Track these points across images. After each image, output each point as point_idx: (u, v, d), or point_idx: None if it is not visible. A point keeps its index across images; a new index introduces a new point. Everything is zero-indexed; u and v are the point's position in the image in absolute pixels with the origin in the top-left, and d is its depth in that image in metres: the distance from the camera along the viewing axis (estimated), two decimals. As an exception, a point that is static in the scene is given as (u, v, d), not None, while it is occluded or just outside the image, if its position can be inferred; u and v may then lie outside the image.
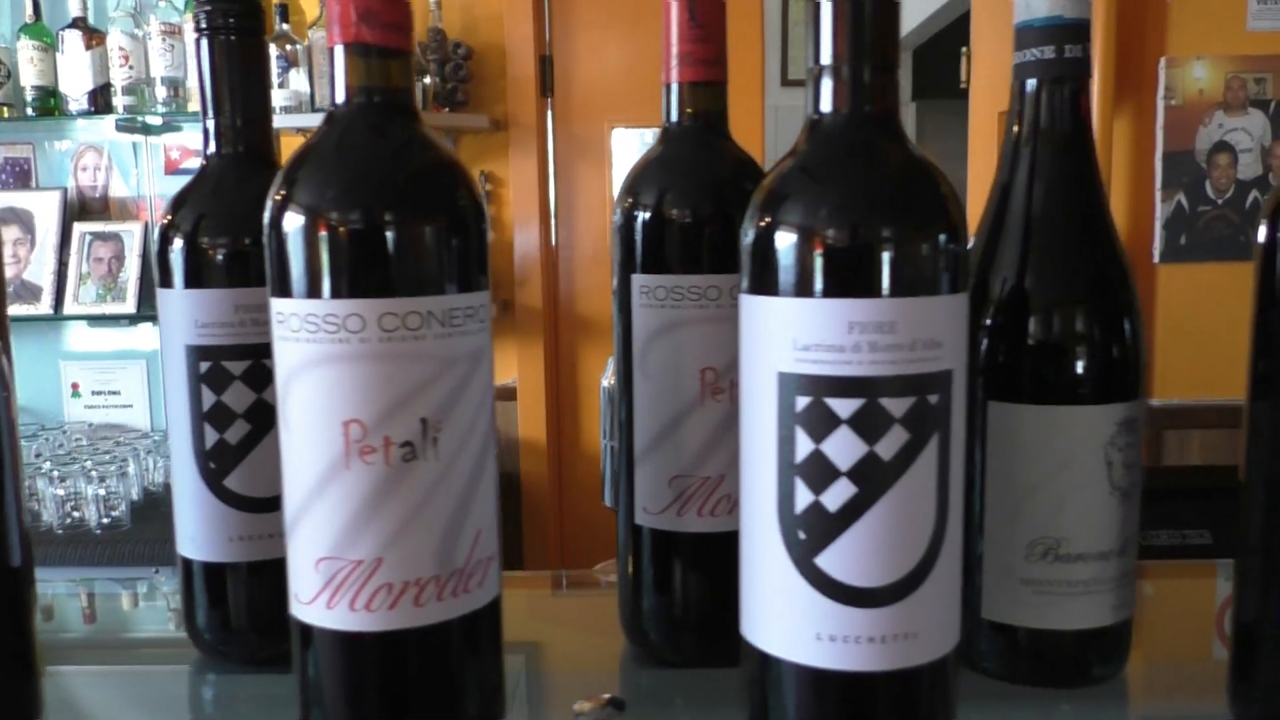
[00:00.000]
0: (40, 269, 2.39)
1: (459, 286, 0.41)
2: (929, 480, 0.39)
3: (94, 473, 1.99)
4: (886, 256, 0.38)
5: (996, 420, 0.50)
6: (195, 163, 2.58)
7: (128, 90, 2.37)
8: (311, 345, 0.39)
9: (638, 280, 0.52)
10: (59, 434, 2.30)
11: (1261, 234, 0.42)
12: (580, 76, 2.68)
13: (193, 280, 0.52)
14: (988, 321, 0.50)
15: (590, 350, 2.70)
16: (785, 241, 0.39)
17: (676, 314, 0.51)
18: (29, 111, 2.35)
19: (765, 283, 0.40)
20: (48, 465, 2.08)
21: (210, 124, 0.54)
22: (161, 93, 2.35)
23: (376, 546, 0.40)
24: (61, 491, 2.05)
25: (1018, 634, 0.51)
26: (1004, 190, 0.51)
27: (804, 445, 0.39)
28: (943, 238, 0.40)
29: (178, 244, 0.53)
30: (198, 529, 0.54)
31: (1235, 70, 2.26)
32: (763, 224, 0.40)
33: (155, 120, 2.38)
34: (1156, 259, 2.32)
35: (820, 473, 0.39)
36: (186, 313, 0.52)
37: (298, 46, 2.42)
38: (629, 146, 2.85)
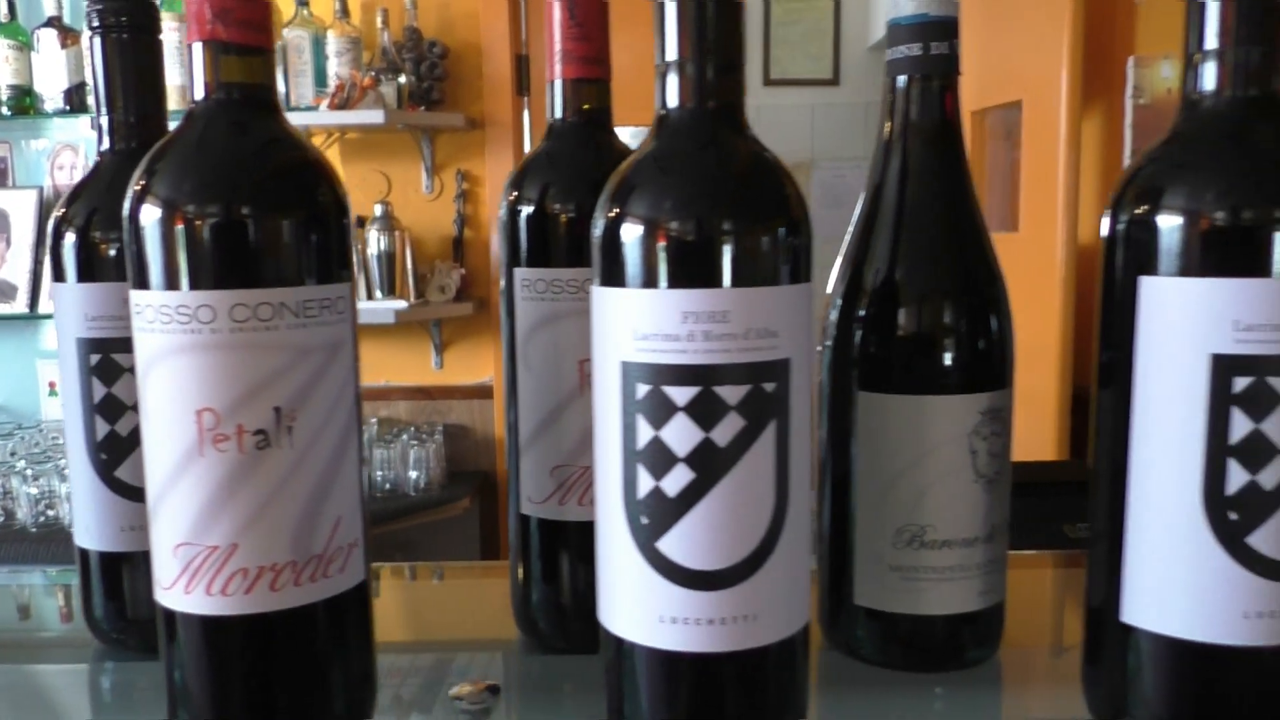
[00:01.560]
0: (16, 268, 2.40)
1: (316, 279, 0.42)
2: (767, 466, 0.40)
3: (68, 471, 1.99)
4: (718, 248, 0.39)
5: (866, 410, 0.51)
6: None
7: (102, 89, 2.37)
8: (165, 336, 0.40)
9: (519, 274, 0.53)
10: (35, 433, 2.31)
11: (1104, 227, 0.43)
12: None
13: (84, 274, 0.53)
14: (860, 313, 0.51)
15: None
16: (623, 234, 0.40)
17: (556, 307, 0.52)
18: (4, 110, 2.36)
19: (610, 274, 0.41)
20: (22, 464, 2.09)
21: (104, 120, 0.55)
22: (136, 92, 2.35)
23: (231, 532, 0.41)
24: (35, 490, 2.06)
25: (890, 620, 0.52)
26: (877, 185, 0.52)
27: (645, 432, 0.40)
28: (781, 231, 0.41)
29: (69, 239, 0.54)
30: (92, 519, 0.55)
31: (1203, 69, 2.27)
32: (606, 217, 0.41)
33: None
34: (1126, 257, 2.34)
35: (660, 459, 0.40)
36: (78, 306, 0.53)
37: (272, 46, 2.43)
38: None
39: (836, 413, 0.52)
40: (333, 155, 2.69)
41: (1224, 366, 0.39)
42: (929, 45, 0.50)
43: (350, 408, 0.44)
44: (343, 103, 2.41)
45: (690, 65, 0.41)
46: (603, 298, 0.41)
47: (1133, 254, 0.42)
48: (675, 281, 0.39)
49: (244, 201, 0.40)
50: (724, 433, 0.40)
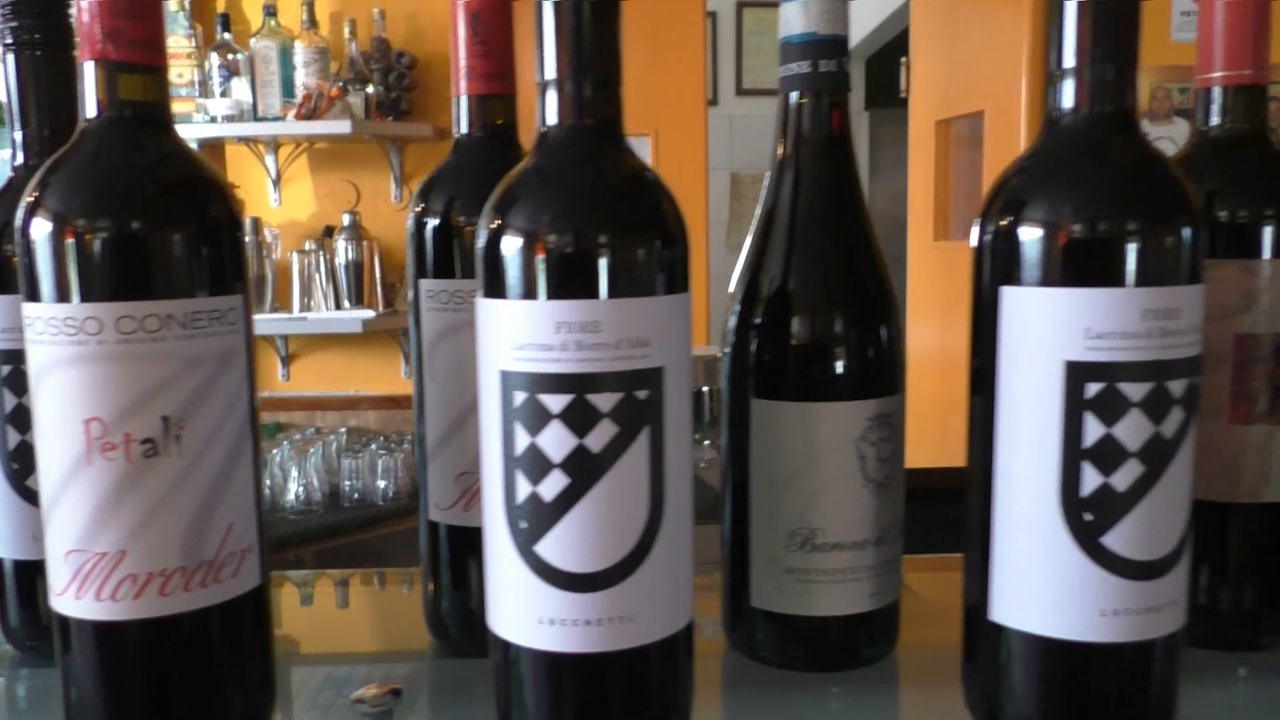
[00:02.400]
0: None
1: (208, 291, 0.43)
2: (641, 471, 0.42)
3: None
4: (589, 260, 0.41)
5: (760, 416, 0.52)
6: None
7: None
8: (54, 347, 0.41)
9: (424, 285, 0.54)
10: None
11: (972, 238, 0.45)
12: (526, 85, 2.70)
13: (-2, 286, 0.54)
14: (754, 322, 0.53)
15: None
16: (501, 247, 0.41)
17: (458, 317, 0.53)
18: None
19: (490, 286, 0.42)
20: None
21: (18, 136, 0.56)
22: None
23: (120, 539, 0.42)
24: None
25: (786, 621, 0.53)
26: (772, 198, 0.54)
27: (522, 439, 0.42)
28: (656, 244, 0.42)
29: (-18, 251, 0.54)
30: (5, 528, 0.56)
31: (1160, 80, 2.31)
32: (485, 230, 0.42)
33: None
34: (1086, 265, 2.37)
35: (536, 464, 0.41)
36: (-11, 318, 0.54)
37: (239, 56, 2.43)
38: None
39: (734, 419, 0.54)
40: (302, 165, 2.70)
41: (1077, 373, 0.41)
42: (817, 63, 0.52)
43: (243, 417, 0.45)
44: (310, 113, 2.42)
45: (568, 83, 0.42)
46: (484, 309, 0.43)
47: (995, 264, 0.43)
48: (549, 293, 0.41)
49: (129, 216, 0.41)
50: (597, 439, 0.41)
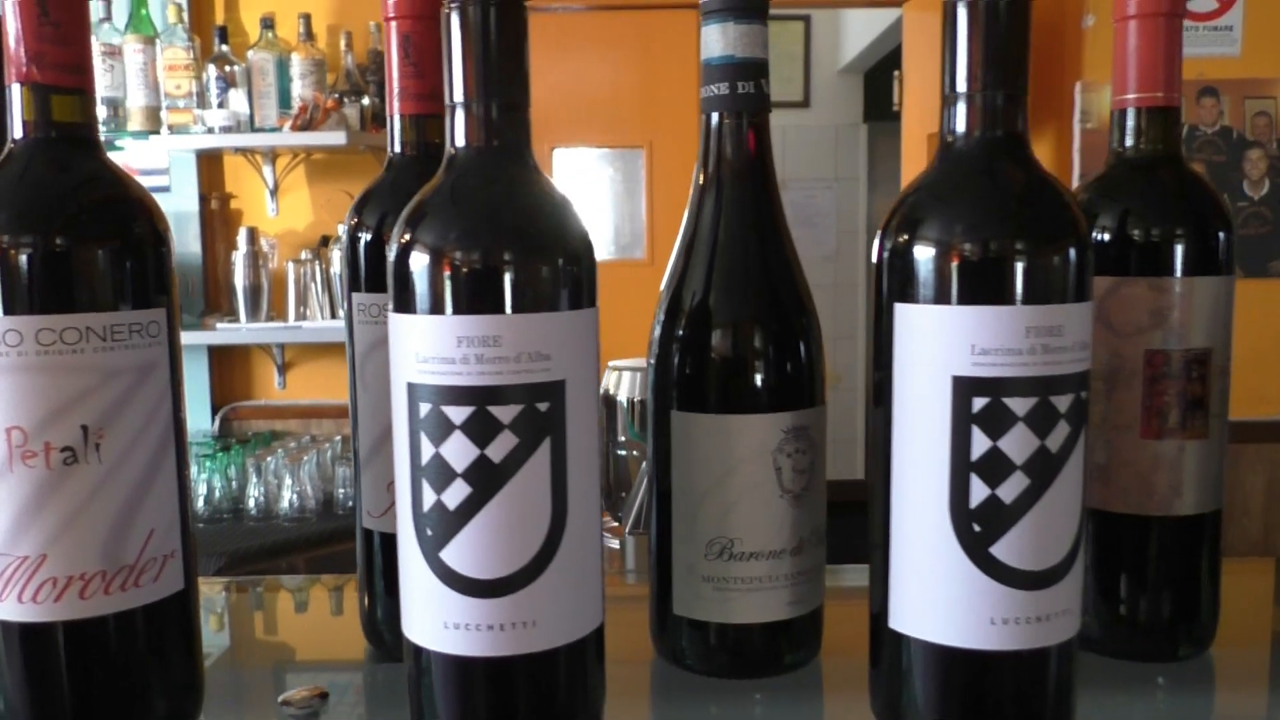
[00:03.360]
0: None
1: (129, 304, 0.45)
2: (542, 480, 0.43)
3: None
4: (488, 277, 0.42)
5: (680, 428, 0.53)
6: (139, 180, 2.63)
7: (68, 111, 2.40)
8: (-22, 358, 0.43)
9: (356, 298, 0.56)
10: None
11: (873, 255, 0.46)
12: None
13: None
14: (675, 337, 0.54)
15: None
16: (409, 263, 0.43)
17: (387, 330, 0.55)
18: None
19: (398, 300, 0.44)
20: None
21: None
22: (102, 112, 2.39)
23: (41, 543, 0.44)
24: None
25: (707, 629, 0.54)
26: (694, 215, 0.55)
27: (427, 449, 0.43)
28: (559, 261, 0.43)
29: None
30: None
31: (1149, 94, 2.31)
32: (395, 246, 0.44)
33: (94, 140, 2.42)
34: (1075, 278, 2.37)
35: (440, 474, 0.43)
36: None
37: (236, 67, 2.46)
38: (570, 166, 2.91)
39: (658, 431, 0.55)
40: (299, 176, 2.72)
41: (964, 388, 0.42)
42: (735, 85, 0.53)
43: (165, 426, 0.46)
44: (305, 124, 2.45)
45: (476, 105, 0.44)
46: (393, 323, 0.44)
47: (890, 281, 0.44)
48: (451, 308, 0.42)
49: (49, 232, 0.43)
50: (499, 449, 0.42)
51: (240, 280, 2.48)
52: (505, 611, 0.43)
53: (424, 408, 0.43)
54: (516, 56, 0.44)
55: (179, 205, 2.56)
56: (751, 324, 0.53)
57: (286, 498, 2.25)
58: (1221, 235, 0.54)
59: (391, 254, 0.44)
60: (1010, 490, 0.42)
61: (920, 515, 0.44)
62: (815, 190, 3.94)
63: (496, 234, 0.43)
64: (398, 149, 0.57)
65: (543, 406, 0.43)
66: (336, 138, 2.42)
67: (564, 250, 0.44)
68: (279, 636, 0.69)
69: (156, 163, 2.58)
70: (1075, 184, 2.47)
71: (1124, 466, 0.54)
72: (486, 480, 0.42)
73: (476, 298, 0.42)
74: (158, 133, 2.44)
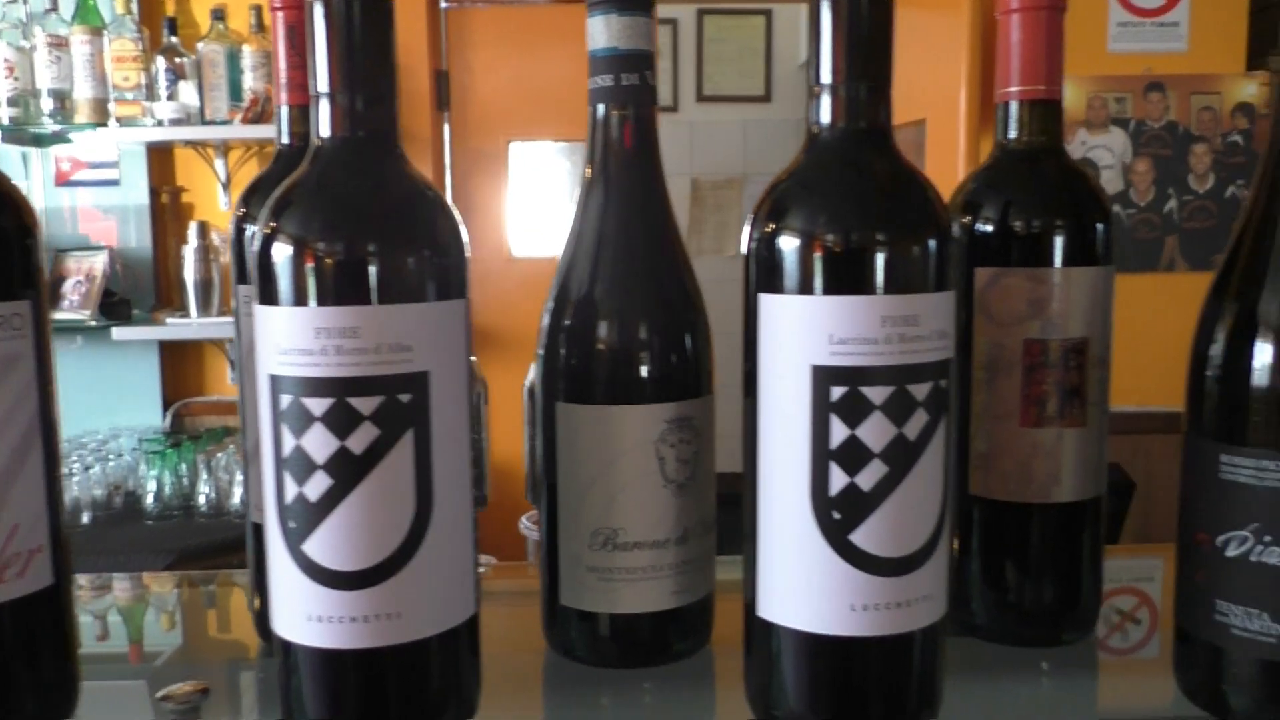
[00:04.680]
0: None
1: (-8, 296, 0.44)
2: (405, 472, 0.43)
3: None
4: (347, 268, 0.42)
5: (564, 419, 0.54)
6: (87, 174, 2.59)
7: (13, 101, 2.37)
8: None
9: (241, 290, 0.55)
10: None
11: (743, 246, 0.46)
12: (478, 91, 2.72)
13: None
14: (559, 329, 0.54)
15: (494, 359, 2.72)
16: (267, 254, 0.43)
17: (273, 322, 0.54)
18: None
19: (261, 292, 0.43)
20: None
21: None
22: (48, 104, 2.36)
23: (-104, 538, 0.43)
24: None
25: (594, 619, 0.55)
26: (581, 206, 0.55)
27: (288, 441, 0.43)
28: (425, 252, 0.43)
29: None
30: None
31: (1097, 90, 2.34)
32: (258, 237, 0.43)
33: (44, 131, 2.38)
34: (1025, 271, 2.40)
35: (301, 466, 0.43)
36: None
37: (186, 59, 2.43)
38: (528, 160, 2.90)
39: (546, 422, 0.55)
40: (252, 169, 2.69)
41: (822, 377, 0.42)
42: (619, 77, 0.53)
43: (30, 419, 0.46)
44: (256, 116, 2.42)
45: (340, 96, 0.44)
46: (257, 314, 0.44)
47: (756, 272, 0.45)
48: (310, 299, 0.42)
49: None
50: (359, 441, 0.42)
51: (191, 275, 2.45)
52: (369, 603, 0.43)
53: (285, 399, 0.43)
54: (381, 46, 0.44)
55: (129, 199, 2.52)
56: (633, 315, 0.53)
57: (238, 494, 2.23)
58: (1100, 227, 0.55)
59: (254, 245, 0.44)
60: (869, 478, 0.43)
61: (784, 504, 0.44)
62: (777, 184, 3.94)
63: (354, 225, 0.42)
64: (285, 140, 0.57)
65: (404, 398, 0.43)
66: (288, 130, 2.39)
67: (427, 242, 0.44)
68: (175, 632, 0.69)
69: (105, 155, 2.54)
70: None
71: (1004, 454, 0.55)
72: (347, 472, 0.42)
73: (334, 289, 0.42)
74: (105, 125, 2.41)
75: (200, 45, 2.46)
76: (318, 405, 0.42)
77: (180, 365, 2.66)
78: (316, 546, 0.43)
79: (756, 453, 0.45)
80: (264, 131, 2.42)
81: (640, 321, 0.53)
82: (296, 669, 0.45)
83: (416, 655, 0.45)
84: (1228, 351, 0.46)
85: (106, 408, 2.55)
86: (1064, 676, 0.57)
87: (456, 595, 0.45)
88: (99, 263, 2.46)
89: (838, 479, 0.43)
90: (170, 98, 2.44)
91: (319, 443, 0.42)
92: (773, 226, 0.44)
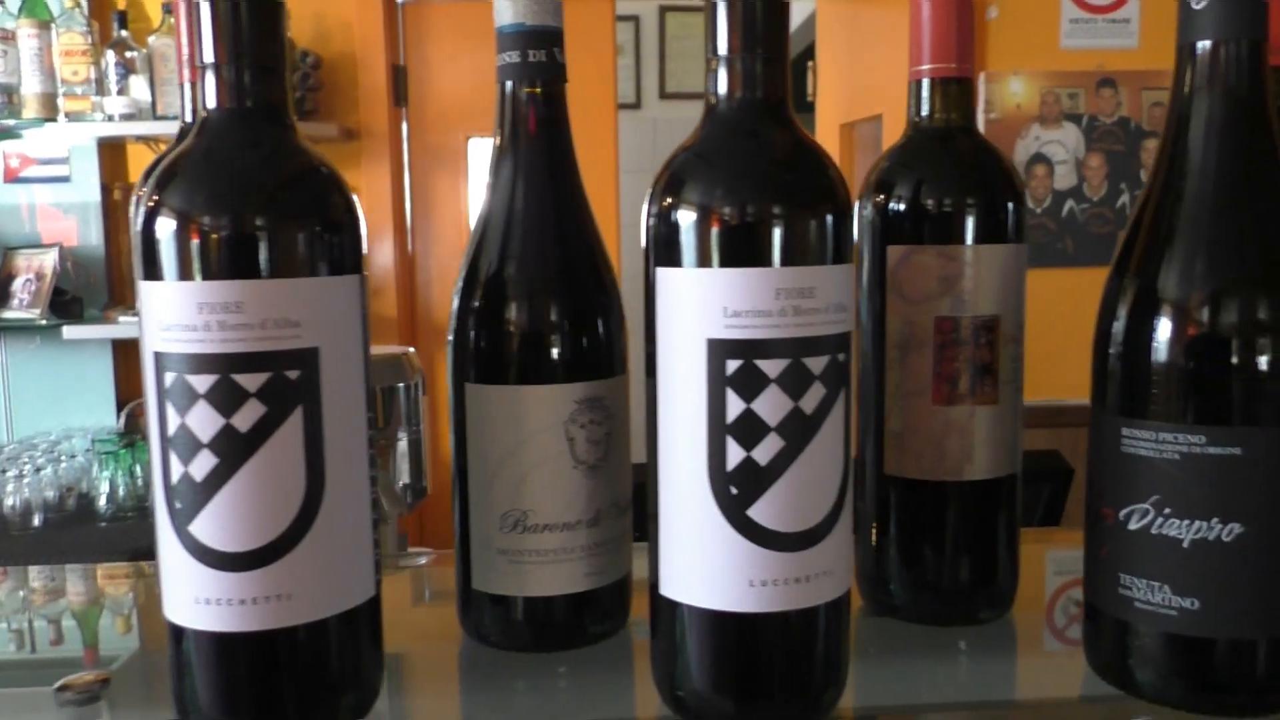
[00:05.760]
0: None
1: None
2: (294, 450, 0.42)
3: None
4: (230, 242, 0.41)
5: (473, 400, 0.53)
6: (36, 170, 2.55)
7: (-42, 97, 2.33)
8: None
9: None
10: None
11: (642, 223, 0.46)
12: (435, 86, 2.70)
13: None
14: (470, 308, 0.54)
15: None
16: (149, 228, 0.42)
17: (175, 303, 0.53)
18: None
19: (145, 268, 0.42)
20: None
21: None
22: (-4, 99, 2.32)
23: None
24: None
25: (507, 603, 0.54)
26: (491, 185, 0.55)
27: (173, 419, 0.42)
28: (316, 227, 0.43)
29: None
30: None
31: (1050, 86, 2.36)
32: (141, 211, 0.42)
33: (-10, 126, 2.34)
34: (981, 265, 2.42)
35: (187, 445, 0.42)
36: None
37: (137, 54, 2.40)
38: (486, 155, 2.88)
39: (457, 404, 0.54)
40: (207, 165, 2.66)
41: (717, 350, 0.42)
42: (526, 53, 0.52)
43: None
44: (209, 112, 2.39)
45: (228, 68, 0.43)
46: (141, 291, 0.43)
47: (654, 247, 0.44)
48: (192, 274, 0.41)
49: None
50: (245, 419, 0.41)
51: (143, 272, 2.41)
52: (259, 585, 0.42)
53: (169, 377, 0.42)
54: (267, 15, 0.43)
55: (80, 196, 2.48)
56: (541, 294, 0.53)
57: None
58: (1011, 205, 0.55)
59: (138, 221, 0.43)
60: (765, 452, 0.42)
61: (683, 480, 0.44)
62: (740, 181, 3.95)
63: (236, 197, 0.42)
64: (189, 118, 0.56)
65: (293, 374, 0.42)
66: (242, 126, 2.37)
67: (314, 216, 0.43)
68: (89, 624, 0.67)
69: (55, 152, 2.50)
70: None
71: (917, 432, 0.55)
72: (233, 450, 0.41)
73: (217, 263, 0.41)
74: (54, 120, 2.37)
75: (152, 39, 2.42)
76: (201, 382, 0.41)
77: (134, 364, 2.62)
78: (203, 527, 0.42)
79: (657, 430, 0.45)
80: (217, 127, 2.39)
81: (547, 300, 0.53)
82: (187, 654, 0.44)
83: (311, 638, 0.44)
84: (1125, 327, 0.46)
85: (58, 408, 2.51)
86: (982, 656, 0.57)
87: (352, 577, 0.45)
88: (49, 261, 2.42)
89: (734, 453, 0.42)
90: (121, 92, 2.40)
91: (203, 421, 0.41)
92: (668, 201, 0.43)
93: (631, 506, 0.56)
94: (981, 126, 2.37)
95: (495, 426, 0.52)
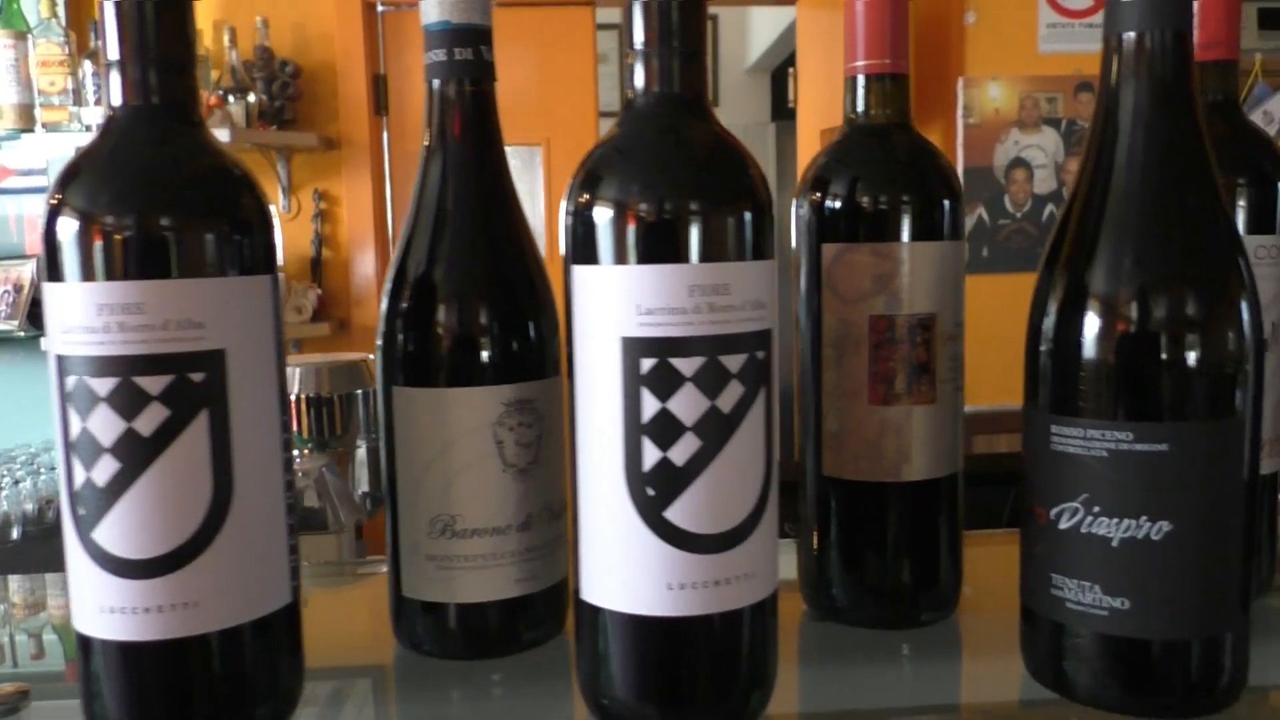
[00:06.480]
0: None
1: None
2: (200, 455, 0.41)
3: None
4: (133, 241, 0.40)
5: (400, 403, 0.52)
6: (15, 181, 2.54)
7: (-70, 108, 2.32)
8: None
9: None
10: None
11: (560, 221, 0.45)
12: (416, 95, 2.69)
13: None
14: (399, 310, 0.53)
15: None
16: (54, 228, 0.41)
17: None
18: None
19: (50, 269, 0.41)
20: None
21: None
22: (-32, 111, 2.31)
23: None
24: None
25: (439, 611, 0.53)
26: (419, 185, 0.54)
27: (76, 424, 0.41)
28: (219, 225, 0.42)
29: None
30: None
31: (1029, 90, 2.37)
32: (45, 211, 0.42)
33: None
34: (962, 270, 2.42)
35: (90, 450, 0.41)
36: None
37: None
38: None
39: (386, 408, 0.53)
40: (186, 176, 2.65)
41: (632, 349, 0.41)
42: (453, 51, 0.52)
43: None
44: (187, 122, 2.39)
45: (133, 66, 0.42)
46: (45, 293, 0.42)
47: (571, 245, 0.44)
48: (94, 275, 0.40)
49: None
50: (147, 423, 0.40)
51: (121, 283, 2.40)
52: (164, 592, 0.41)
53: (71, 380, 0.41)
54: (175, 13, 0.42)
55: (57, 206, 2.47)
56: (466, 295, 0.52)
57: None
58: (946, 203, 0.54)
59: (42, 221, 0.42)
60: (682, 452, 0.42)
61: (600, 482, 0.43)
62: (726, 189, 3.95)
63: (137, 196, 0.41)
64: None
65: (197, 377, 0.41)
66: (220, 135, 2.36)
67: (219, 215, 0.42)
68: (21, 635, 0.66)
69: (33, 163, 2.49)
70: (960, 178, 2.51)
71: (854, 433, 0.54)
72: (136, 455, 0.40)
73: (117, 263, 0.40)
74: (32, 131, 2.36)
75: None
76: (102, 385, 0.40)
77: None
78: (107, 534, 0.41)
79: (576, 431, 0.44)
80: (195, 137, 2.38)
81: (472, 301, 0.52)
82: (96, 664, 0.43)
83: (222, 647, 0.43)
84: (1054, 323, 0.46)
85: (37, 420, 2.49)
86: (925, 659, 0.56)
87: (265, 584, 0.44)
88: (27, 272, 2.41)
89: (650, 454, 0.42)
90: (99, 103, 2.40)
91: (105, 425, 0.40)
92: (583, 197, 0.43)
93: (566, 511, 0.55)
94: (960, 131, 2.37)
95: (422, 430, 0.51)
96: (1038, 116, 2.37)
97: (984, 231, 2.38)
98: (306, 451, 0.93)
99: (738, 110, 3.93)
